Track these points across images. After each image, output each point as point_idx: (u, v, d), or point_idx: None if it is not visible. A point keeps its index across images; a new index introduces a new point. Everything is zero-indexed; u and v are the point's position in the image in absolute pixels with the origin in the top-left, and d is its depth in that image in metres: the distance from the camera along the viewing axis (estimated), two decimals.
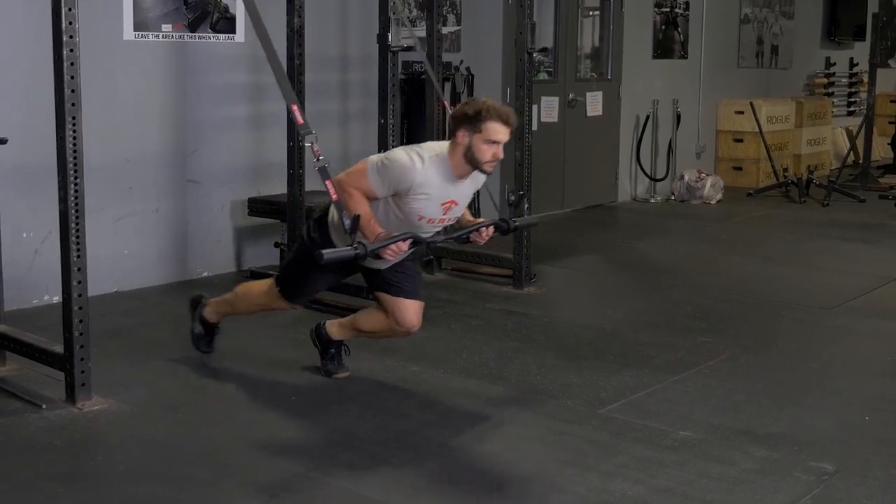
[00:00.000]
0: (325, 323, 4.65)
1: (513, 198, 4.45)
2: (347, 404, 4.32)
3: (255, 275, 6.44)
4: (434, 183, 4.02)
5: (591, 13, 9.74)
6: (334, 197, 3.84)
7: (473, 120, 3.99)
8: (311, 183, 6.33)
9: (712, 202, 10.08)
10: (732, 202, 10.18)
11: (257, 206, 6.47)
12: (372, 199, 4.05)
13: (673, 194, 10.30)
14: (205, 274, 6.54)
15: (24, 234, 5.60)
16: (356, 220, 3.77)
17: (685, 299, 6.24)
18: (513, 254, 6.39)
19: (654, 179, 10.20)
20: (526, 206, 6.24)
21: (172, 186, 6.33)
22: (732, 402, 4.40)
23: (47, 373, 4.36)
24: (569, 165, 9.28)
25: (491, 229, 4.25)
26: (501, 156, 4.06)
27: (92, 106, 5.74)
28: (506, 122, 4.01)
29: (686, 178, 10.19)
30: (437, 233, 4.29)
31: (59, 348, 4.24)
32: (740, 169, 11.20)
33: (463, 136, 4.01)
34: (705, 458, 3.77)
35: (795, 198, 10.22)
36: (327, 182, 3.83)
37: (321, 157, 3.85)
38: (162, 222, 6.30)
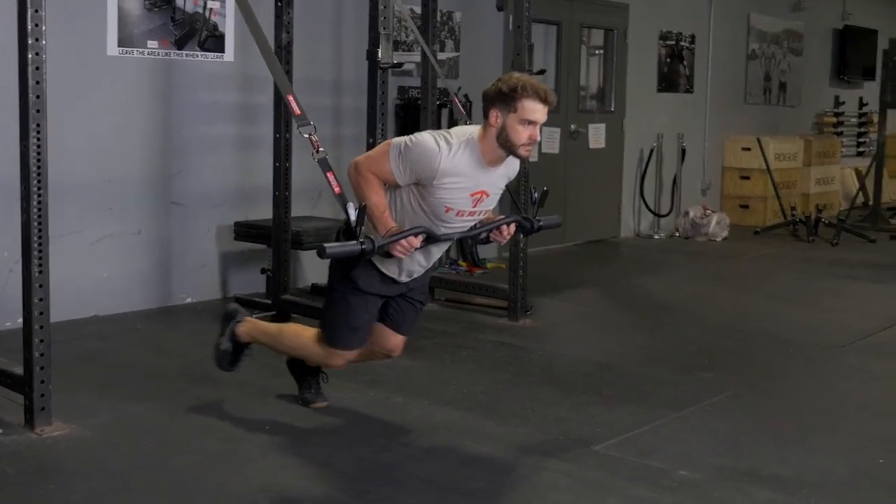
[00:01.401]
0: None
1: (536, 195, 4.03)
2: (325, 435, 4.06)
3: (241, 302, 6.20)
4: (462, 170, 3.64)
5: (596, 51, 9.57)
6: (336, 190, 3.53)
7: (508, 98, 3.60)
8: (298, 207, 6.12)
9: (717, 239, 9.83)
10: (738, 240, 9.93)
11: (244, 231, 6.24)
12: (393, 186, 3.70)
13: (677, 231, 10.06)
14: (188, 300, 6.30)
15: None
16: (362, 210, 3.46)
17: (687, 335, 5.99)
18: (508, 284, 6.14)
19: (657, 215, 9.97)
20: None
21: (155, 208, 6.11)
22: (735, 441, 4.13)
23: (8, 396, 4.10)
24: (570, 198, 9.06)
25: (513, 227, 3.92)
26: (538, 138, 3.69)
27: (72, 122, 5.61)
28: (544, 101, 3.62)
29: (691, 214, 9.96)
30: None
31: (19, 370, 3.99)
32: (747, 207, 10.96)
33: (496, 117, 3.63)
34: (705, 499, 3.50)
35: (804, 237, 9.97)
36: (329, 174, 3.54)
37: (321, 149, 3.58)
38: (144, 245, 6.07)
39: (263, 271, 6.17)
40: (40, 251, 3.87)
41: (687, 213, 10.00)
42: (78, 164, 5.67)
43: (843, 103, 12.93)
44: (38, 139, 3.82)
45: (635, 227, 10.01)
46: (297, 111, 3.71)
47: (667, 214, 10.05)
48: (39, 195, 3.84)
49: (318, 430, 4.11)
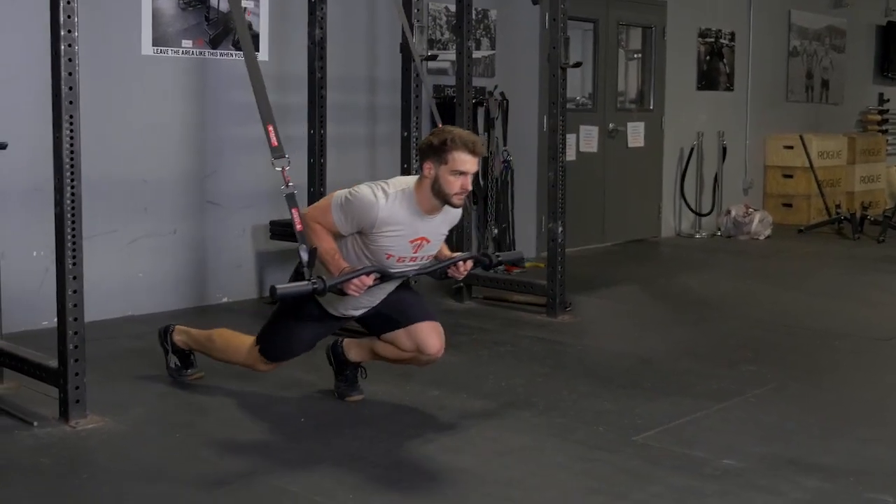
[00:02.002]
0: (342, 341, 4.36)
1: (496, 231, 4.23)
2: (359, 427, 4.01)
3: None
4: (401, 219, 3.81)
5: (635, 55, 9.48)
6: (298, 227, 3.67)
7: (439, 151, 3.79)
8: None
9: (760, 238, 9.68)
10: (782, 238, 9.77)
11: (279, 230, 6.20)
12: (337, 235, 3.85)
13: (719, 230, 9.91)
14: (224, 300, 6.28)
15: (35, 253, 5.39)
16: (313, 252, 3.61)
17: (729, 331, 5.88)
18: (547, 280, 6.06)
19: (699, 214, 9.83)
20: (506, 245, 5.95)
21: (191, 208, 6.10)
22: (781, 431, 4.03)
23: (45, 391, 4.11)
24: (609, 198, 8.96)
25: (469, 263, 4.07)
26: (470, 187, 3.87)
27: (106, 122, 5.62)
28: (472, 152, 3.80)
29: (733, 212, 9.81)
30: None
31: (53, 363, 3.98)
32: (790, 206, 10.79)
33: (429, 168, 3.82)
34: (750, 487, 3.40)
35: (849, 234, 9.79)
36: (293, 210, 3.67)
37: (290, 184, 3.70)
38: (179, 245, 6.06)
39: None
40: (74, 243, 3.86)
41: (729, 212, 9.86)
42: (113, 163, 5.68)
43: (888, 101, 12.69)
44: (72, 130, 3.81)
45: (676, 226, 9.88)
46: (275, 142, 3.80)
47: (708, 213, 9.90)
48: (73, 186, 3.83)
49: (353, 422, 4.06)
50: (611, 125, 8.92)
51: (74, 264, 3.87)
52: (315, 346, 4.19)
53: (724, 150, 9.97)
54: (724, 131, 9.98)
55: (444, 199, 3.83)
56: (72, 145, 3.82)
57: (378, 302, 4.05)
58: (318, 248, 3.70)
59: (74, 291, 3.88)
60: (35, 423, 3.90)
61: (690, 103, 9.78)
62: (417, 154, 3.91)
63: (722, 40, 10.15)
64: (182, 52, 5.96)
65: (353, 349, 4.31)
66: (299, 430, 3.97)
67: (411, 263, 3.94)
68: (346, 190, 3.87)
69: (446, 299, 6.40)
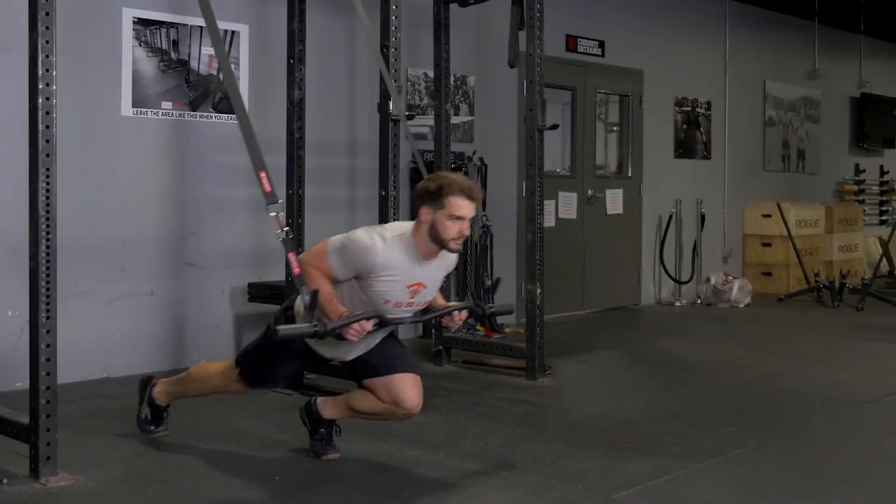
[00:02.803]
0: (315, 400, 4.31)
1: (489, 282, 4.31)
2: (335, 485, 3.94)
3: None
4: (398, 264, 3.81)
5: (613, 128, 9.59)
6: (296, 270, 3.64)
7: (435, 195, 3.81)
8: None
9: (740, 306, 9.70)
10: (762, 306, 9.80)
11: (258, 292, 6.19)
12: (335, 281, 3.84)
13: (699, 298, 9.94)
14: (201, 362, 6.21)
15: (10, 313, 5.34)
16: (314, 295, 3.57)
17: (709, 394, 5.85)
18: (526, 343, 6.04)
19: (678, 282, 9.86)
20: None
21: (169, 269, 6.08)
22: (761, 490, 3.99)
23: (15, 449, 4.03)
24: (589, 264, 8.98)
25: (464, 313, 4.04)
26: (468, 232, 3.87)
27: (86, 181, 5.62)
28: (469, 196, 3.82)
29: (712, 280, 9.85)
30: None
31: (25, 419, 3.92)
32: (769, 274, 10.84)
33: (426, 214, 3.83)
34: None
35: (828, 303, 9.84)
36: (290, 255, 3.65)
37: (286, 229, 3.67)
38: (157, 306, 6.03)
39: None
40: (48, 296, 3.82)
41: (708, 280, 9.90)
42: (91, 223, 5.68)
43: (864, 171, 12.86)
44: (48, 183, 3.80)
45: (656, 294, 9.90)
46: (268, 188, 3.80)
47: (688, 281, 9.94)
48: (48, 240, 3.81)
49: (329, 481, 3.99)
50: (589, 192, 8.98)
51: (48, 318, 3.83)
52: (290, 380, 4.18)
53: (703, 217, 10.05)
54: (702, 199, 10.07)
55: (441, 244, 3.83)
56: (48, 198, 3.81)
57: (369, 348, 4.03)
58: (318, 291, 3.65)
59: (47, 346, 3.83)
60: (4, 481, 3.83)
61: (668, 171, 9.88)
62: (414, 199, 3.89)
63: (698, 109, 10.29)
64: (162, 114, 5.99)
65: (328, 407, 4.26)
66: (274, 489, 3.90)
67: (407, 308, 3.93)
68: (343, 235, 3.87)
69: (425, 362, 6.36)
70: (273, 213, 3.70)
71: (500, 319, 7.73)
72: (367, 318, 3.70)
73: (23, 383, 5.30)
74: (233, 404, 5.33)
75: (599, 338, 7.85)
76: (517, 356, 6.13)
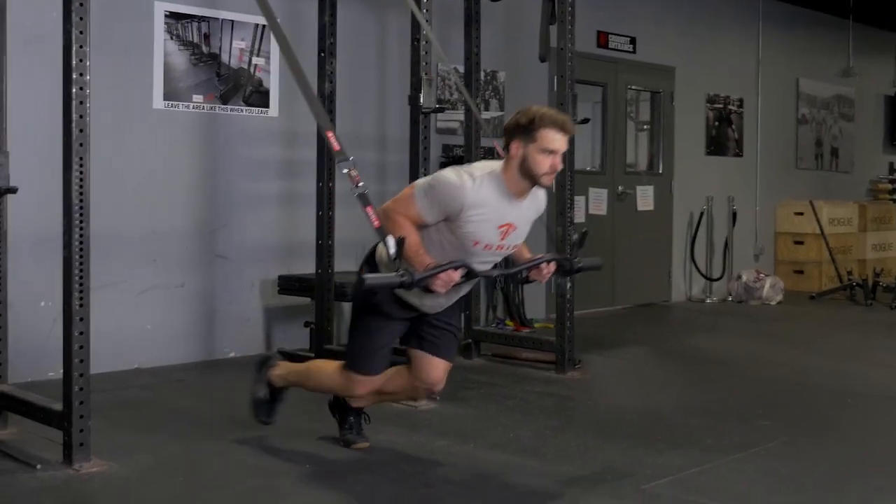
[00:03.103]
0: None
1: (576, 235, 4.04)
2: (364, 473, 3.95)
3: (285, 356, 6.14)
4: (488, 202, 3.67)
5: (644, 126, 9.55)
6: (376, 224, 3.48)
7: (527, 129, 3.66)
8: (342, 263, 6.05)
9: (772, 303, 9.62)
10: (793, 304, 9.72)
11: (287, 284, 6.21)
12: (422, 226, 3.71)
13: (730, 295, 9.87)
14: (231, 354, 6.26)
15: (42, 303, 5.38)
16: (401, 242, 3.42)
17: (740, 388, 5.81)
18: (555, 337, 6.02)
19: (709, 279, 9.80)
20: (569, 284, 5.92)
21: (200, 261, 6.11)
22: (794, 481, 3.96)
23: (49, 436, 4.06)
24: (619, 261, 8.94)
25: (552, 266, 3.85)
26: (560, 167, 3.73)
27: (118, 173, 5.66)
28: (562, 129, 3.67)
29: (744, 278, 9.77)
30: (494, 267, 3.90)
31: (58, 406, 3.95)
32: (801, 272, 10.75)
33: (517, 148, 3.69)
34: None
35: (861, 301, 9.74)
36: (367, 208, 3.49)
37: (360, 184, 3.53)
38: (188, 298, 6.06)
39: (307, 325, 6.10)
40: (81, 285, 3.85)
41: (740, 277, 9.82)
42: (123, 215, 5.71)
43: None
44: (81, 172, 3.83)
45: (687, 290, 9.84)
46: (337, 147, 3.66)
47: (719, 278, 9.87)
48: (82, 228, 3.83)
49: (358, 469, 4.00)
50: (619, 188, 8.94)
51: (81, 306, 3.86)
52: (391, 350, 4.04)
53: (735, 215, 9.98)
54: (733, 196, 10.00)
55: (532, 179, 3.70)
56: (81, 187, 3.84)
57: (450, 302, 3.92)
58: (405, 239, 3.50)
59: (81, 333, 3.86)
60: (38, 466, 3.87)
61: (700, 168, 9.82)
62: (503, 134, 3.76)
63: (730, 106, 10.22)
64: (192, 107, 6.02)
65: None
66: (304, 476, 3.91)
67: (497, 252, 3.80)
68: (430, 176, 3.78)
69: (455, 356, 6.34)
70: (345, 171, 3.56)
71: (529, 314, 7.75)
72: (455, 268, 3.56)
73: (55, 373, 5.36)
74: None
75: (629, 333, 7.82)
76: (547, 350, 6.11)
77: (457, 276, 3.57)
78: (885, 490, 3.87)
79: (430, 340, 3.97)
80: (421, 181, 3.78)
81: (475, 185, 3.65)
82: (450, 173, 3.70)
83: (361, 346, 3.97)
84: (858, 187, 12.29)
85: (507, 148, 3.73)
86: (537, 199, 3.88)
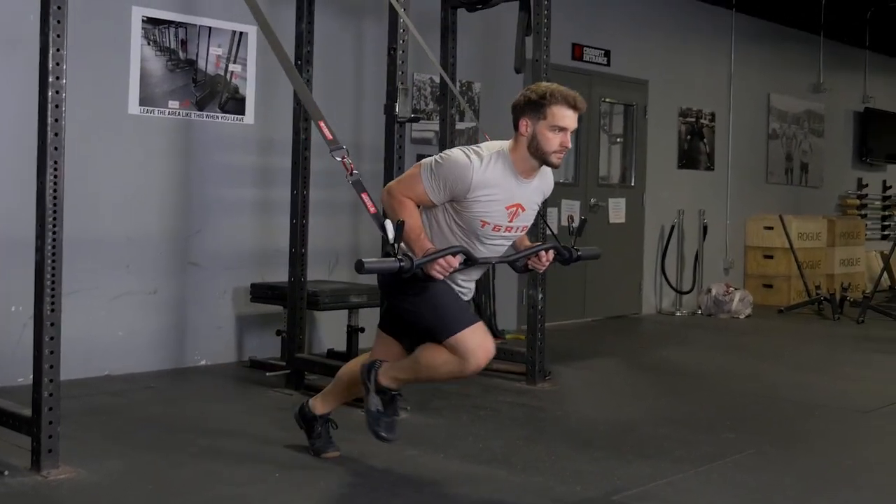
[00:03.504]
0: (307, 402, 4.31)
1: (575, 224, 4.01)
2: (334, 482, 3.95)
3: (256, 364, 6.14)
4: (496, 181, 3.61)
5: (618, 139, 9.60)
6: (371, 210, 3.47)
7: (537, 105, 3.60)
8: (315, 272, 6.04)
9: (741, 317, 9.70)
10: (762, 318, 9.80)
11: (260, 292, 6.19)
12: (428, 206, 3.67)
13: (699, 308, 9.94)
14: (203, 362, 6.24)
15: (13, 308, 5.35)
16: (400, 226, 3.37)
17: (710, 400, 5.86)
18: (527, 348, 6.05)
19: (679, 292, 9.87)
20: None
21: (173, 267, 6.09)
22: (762, 492, 4.00)
23: (16, 441, 4.04)
24: (590, 273, 8.98)
25: (551, 254, 3.84)
26: (570, 145, 3.66)
27: (92, 178, 5.64)
28: (573, 106, 3.62)
29: (713, 291, 9.85)
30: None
31: (27, 411, 3.92)
32: (770, 286, 10.85)
33: (526, 125, 3.63)
34: None
35: (829, 315, 9.84)
36: (363, 195, 3.48)
37: (355, 171, 3.52)
38: (160, 304, 6.04)
39: (279, 333, 6.09)
40: (53, 289, 3.83)
41: (709, 290, 9.90)
42: (97, 220, 5.70)
43: (867, 186, 12.87)
44: (56, 176, 3.82)
45: (657, 303, 9.91)
46: (329, 136, 3.65)
47: (689, 291, 9.95)
48: (55, 232, 3.82)
49: (328, 477, 4.00)
50: (592, 200, 8.99)
51: (53, 311, 3.85)
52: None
53: (705, 228, 10.06)
54: (704, 210, 10.08)
55: (541, 157, 3.64)
56: (55, 191, 3.83)
57: (472, 290, 3.86)
58: (405, 222, 3.45)
59: (52, 339, 3.84)
60: (6, 473, 3.83)
61: (671, 181, 9.90)
62: (512, 111, 3.69)
63: (702, 120, 10.31)
64: (168, 113, 6.01)
65: (318, 403, 4.25)
66: (274, 485, 3.91)
67: (506, 234, 3.73)
68: (435, 156, 3.70)
69: None
70: (339, 158, 3.56)
71: (500, 325, 7.78)
72: (454, 254, 3.51)
73: (25, 379, 5.33)
74: (233, 402, 5.37)
75: (600, 345, 7.86)
76: (518, 360, 6.14)
77: (455, 262, 3.53)
78: (851, 503, 3.92)
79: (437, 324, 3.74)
80: (427, 160, 3.68)
81: (483, 164, 3.60)
82: (457, 152, 3.65)
83: (445, 306, 3.66)
84: (827, 202, 12.42)
85: (515, 125, 3.68)
86: (545, 180, 3.83)
